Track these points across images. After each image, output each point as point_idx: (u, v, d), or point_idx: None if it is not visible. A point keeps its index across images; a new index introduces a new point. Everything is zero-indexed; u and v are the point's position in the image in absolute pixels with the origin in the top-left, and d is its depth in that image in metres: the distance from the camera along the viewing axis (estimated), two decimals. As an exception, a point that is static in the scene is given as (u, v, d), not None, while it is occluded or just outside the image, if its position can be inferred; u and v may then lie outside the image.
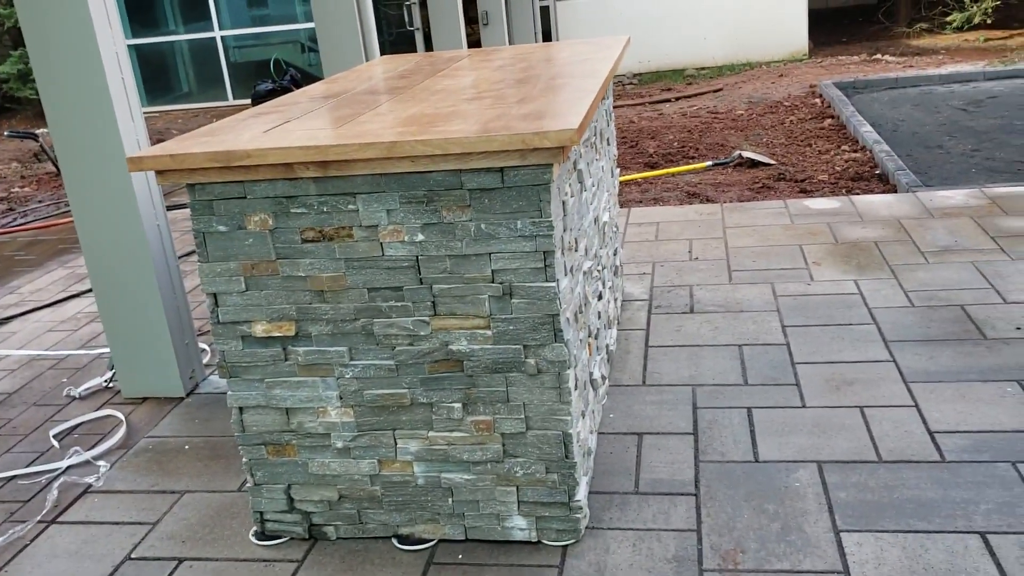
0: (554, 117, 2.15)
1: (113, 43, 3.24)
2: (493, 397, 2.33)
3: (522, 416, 2.33)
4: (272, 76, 12.79)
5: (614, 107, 9.52)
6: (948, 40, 12.18)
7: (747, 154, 6.80)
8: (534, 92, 2.55)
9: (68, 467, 3.11)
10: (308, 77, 11.93)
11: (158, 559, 2.56)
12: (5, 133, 9.07)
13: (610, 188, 3.63)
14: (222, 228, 2.31)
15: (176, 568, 2.51)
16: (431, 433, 2.39)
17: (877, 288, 3.89)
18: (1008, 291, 3.74)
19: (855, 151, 6.81)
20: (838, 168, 6.40)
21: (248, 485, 2.55)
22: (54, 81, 3.23)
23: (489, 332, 2.27)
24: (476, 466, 2.40)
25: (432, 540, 2.50)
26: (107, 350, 4.05)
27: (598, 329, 3.01)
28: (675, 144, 7.69)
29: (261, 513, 2.57)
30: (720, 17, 12.35)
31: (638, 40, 12.38)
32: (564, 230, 2.34)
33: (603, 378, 3.05)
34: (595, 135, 3.12)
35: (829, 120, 7.96)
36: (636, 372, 3.36)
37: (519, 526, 2.44)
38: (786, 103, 9.04)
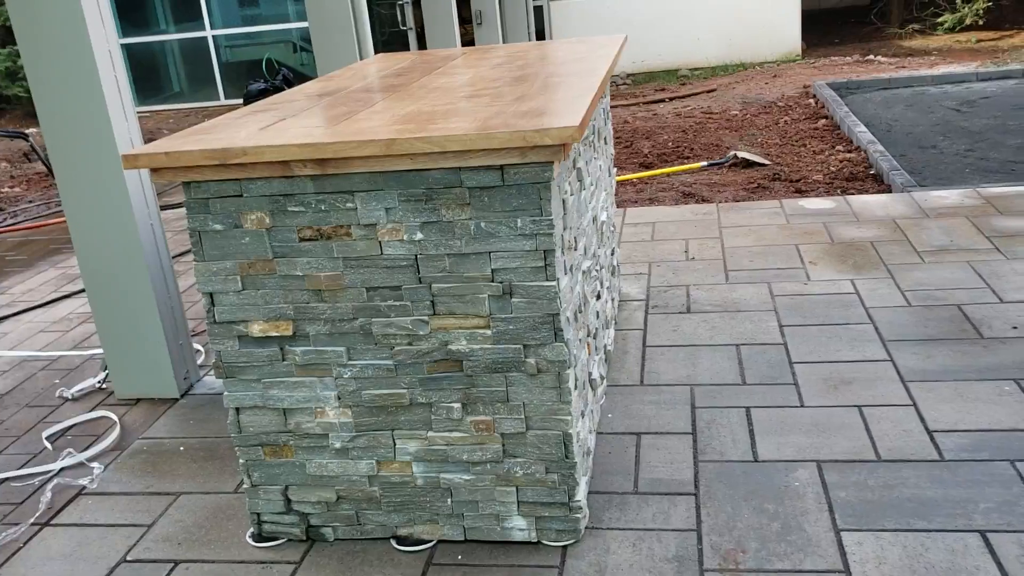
0: (555, 115, 2.13)
1: (106, 40, 3.21)
2: (493, 397, 2.31)
3: (522, 416, 2.32)
4: (264, 76, 12.75)
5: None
6: (940, 41, 12.22)
7: (742, 154, 6.80)
8: (532, 90, 2.53)
9: (61, 469, 3.09)
10: (300, 77, 11.90)
11: (154, 561, 2.53)
12: (-6, 133, 9.02)
13: (607, 187, 3.62)
14: (218, 227, 2.29)
15: (172, 570, 2.49)
16: (430, 433, 2.38)
17: (874, 288, 3.89)
18: (1004, 290, 3.74)
19: (849, 151, 6.82)
20: (832, 168, 6.40)
21: (245, 486, 2.53)
22: (46, 79, 3.20)
23: (489, 332, 2.26)
24: (475, 466, 2.39)
25: (431, 541, 2.48)
26: (100, 351, 4.02)
27: (596, 329, 3.00)
28: (670, 144, 7.69)
29: (258, 514, 2.55)
30: (713, 18, 12.36)
31: (631, 40, 12.38)
32: (564, 229, 2.33)
33: (601, 378, 3.03)
34: (593, 133, 3.10)
35: (823, 120, 7.97)
36: (634, 372, 3.35)
37: (519, 526, 2.43)
38: (780, 103, 9.05)
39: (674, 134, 8.10)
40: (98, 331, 3.51)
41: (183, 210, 6.50)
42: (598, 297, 3.09)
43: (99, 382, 3.71)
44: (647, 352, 3.50)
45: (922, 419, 2.86)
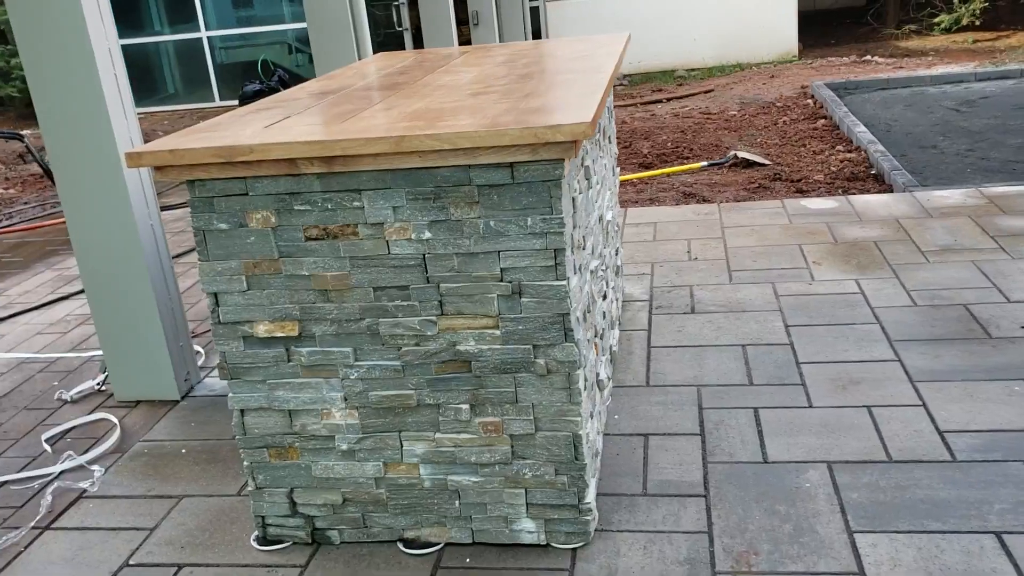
0: (565, 111, 2.10)
1: (106, 39, 3.17)
2: (501, 398, 2.28)
3: (531, 417, 2.28)
4: (260, 77, 12.70)
5: (606, 108, 9.48)
6: (937, 42, 12.23)
7: (742, 154, 6.78)
8: (540, 87, 2.50)
9: (61, 472, 3.04)
10: (296, 78, 11.85)
11: (157, 565, 2.50)
12: (-10, 134, 8.95)
13: (612, 186, 3.59)
14: (223, 226, 2.26)
15: (176, 575, 2.45)
16: (438, 435, 2.34)
17: (879, 287, 3.87)
18: (1011, 290, 3.72)
19: (849, 151, 6.80)
20: (833, 168, 6.38)
21: (249, 489, 2.49)
22: (46, 78, 3.16)
23: (498, 332, 2.23)
24: (484, 468, 2.35)
25: (439, 544, 2.45)
26: (99, 353, 3.98)
27: (603, 329, 2.97)
28: (669, 145, 7.67)
29: (263, 517, 2.51)
30: (710, 18, 12.35)
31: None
32: (574, 227, 2.30)
33: (608, 379, 3.00)
34: (599, 132, 3.07)
35: (822, 121, 7.96)
36: (640, 373, 3.32)
37: (527, 529, 2.40)
38: (778, 104, 9.04)
39: (673, 134, 8.08)
40: (98, 332, 3.47)
41: (182, 211, 6.45)
42: (604, 297, 3.06)
43: (98, 384, 3.67)
44: (652, 353, 3.47)
45: (932, 419, 2.83)
